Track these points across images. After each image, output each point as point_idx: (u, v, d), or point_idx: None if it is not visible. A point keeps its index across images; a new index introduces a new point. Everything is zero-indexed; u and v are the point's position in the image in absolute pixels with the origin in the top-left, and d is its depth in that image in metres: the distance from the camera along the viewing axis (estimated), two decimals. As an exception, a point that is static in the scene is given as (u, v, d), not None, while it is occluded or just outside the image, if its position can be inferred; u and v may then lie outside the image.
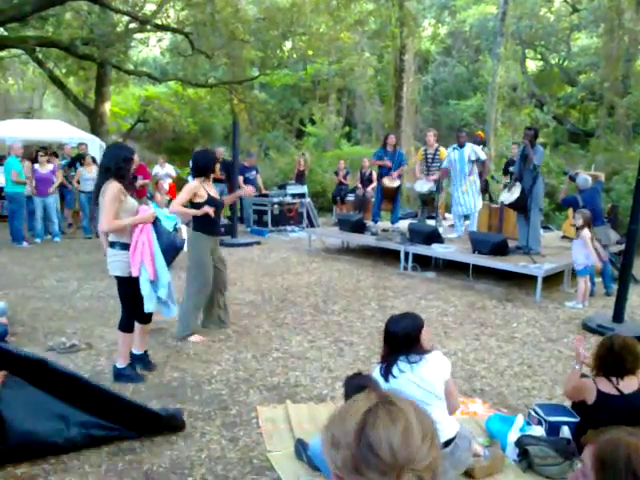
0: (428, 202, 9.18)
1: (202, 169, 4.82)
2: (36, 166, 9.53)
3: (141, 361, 4.27)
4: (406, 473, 0.87)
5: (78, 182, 10.20)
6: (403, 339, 2.77)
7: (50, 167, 9.63)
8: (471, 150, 8.28)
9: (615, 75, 16.33)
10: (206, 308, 5.18)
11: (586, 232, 6.07)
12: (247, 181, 11.33)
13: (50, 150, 10.98)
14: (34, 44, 12.90)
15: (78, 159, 10.81)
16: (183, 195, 4.77)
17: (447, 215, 10.37)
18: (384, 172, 9.40)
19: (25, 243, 9.28)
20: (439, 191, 8.90)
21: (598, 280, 6.81)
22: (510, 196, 7.38)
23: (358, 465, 0.89)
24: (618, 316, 5.40)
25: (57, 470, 2.97)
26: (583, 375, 3.11)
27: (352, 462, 0.90)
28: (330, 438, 0.94)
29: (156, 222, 3.96)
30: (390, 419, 0.91)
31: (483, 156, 8.39)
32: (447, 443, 2.73)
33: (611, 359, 2.92)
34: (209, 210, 4.70)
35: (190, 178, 10.56)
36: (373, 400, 0.95)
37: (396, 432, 0.89)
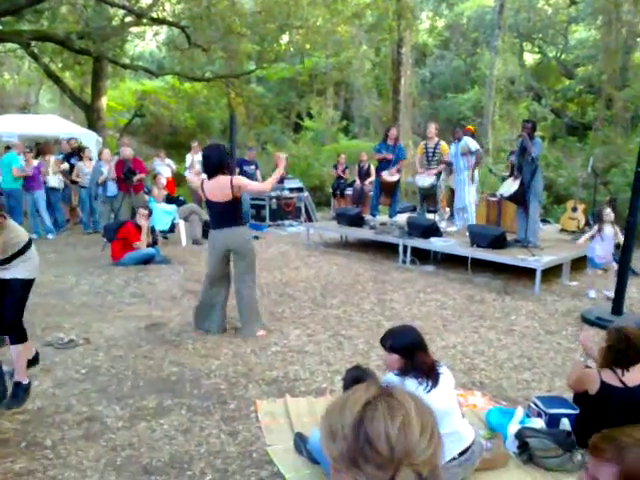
0: (428, 197, 9.13)
1: (217, 166, 4.66)
2: (22, 163, 9.42)
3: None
4: (404, 468, 0.86)
5: (77, 177, 10.15)
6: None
7: (35, 163, 9.53)
8: (464, 143, 8.26)
9: (613, 67, 16.28)
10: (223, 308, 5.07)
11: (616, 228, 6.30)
12: (245, 175, 11.28)
13: (48, 147, 10.88)
14: (29, 38, 12.82)
15: (73, 154, 10.76)
16: (252, 182, 5.29)
17: (447, 209, 10.34)
18: (383, 166, 9.36)
19: None
20: (439, 184, 8.87)
21: None
22: (509, 189, 7.36)
23: (355, 458, 0.87)
24: (617, 308, 5.40)
25: (56, 465, 2.96)
26: (587, 367, 3.11)
27: (349, 455, 0.88)
28: (327, 429, 0.92)
29: None
30: (389, 412, 0.88)
31: (473, 146, 8.33)
32: (465, 451, 2.73)
33: (627, 350, 2.89)
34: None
35: (192, 173, 10.44)
36: (373, 392, 0.93)
37: (394, 426, 0.87)
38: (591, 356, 3.14)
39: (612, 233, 6.29)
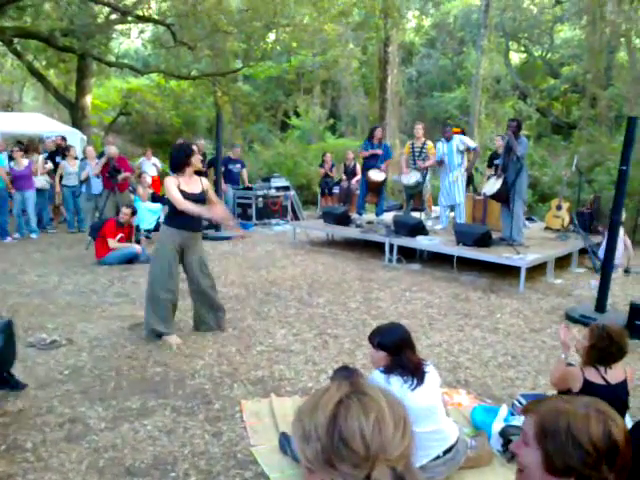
0: (414, 195, 9.17)
1: (175, 164, 4.65)
2: (11, 163, 9.31)
3: None
4: (379, 464, 0.85)
5: (61, 177, 10.04)
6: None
7: (26, 163, 9.41)
8: (459, 141, 8.28)
9: (597, 67, 16.42)
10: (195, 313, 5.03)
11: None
12: (230, 173, 11.22)
13: (33, 145, 10.77)
14: (12, 35, 12.68)
15: (57, 153, 10.64)
16: (175, 190, 4.45)
17: (434, 207, 10.37)
18: (369, 165, 9.38)
19: (9, 238, 9.14)
20: (424, 183, 8.91)
21: None
22: (492, 187, 7.40)
23: (330, 458, 0.86)
24: (600, 306, 5.44)
25: (36, 468, 2.91)
26: (569, 364, 3.12)
27: (324, 456, 0.87)
28: (300, 431, 0.91)
29: None
30: (362, 409, 0.88)
31: (472, 144, 8.42)
32: (449, 449, 2.74)
33: (610, 348, 2.89)
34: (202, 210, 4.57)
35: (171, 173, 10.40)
36: (344, 391, 0.92)
37: (368, 423, 0.86)
38: (568, 349, 3.15)
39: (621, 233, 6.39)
